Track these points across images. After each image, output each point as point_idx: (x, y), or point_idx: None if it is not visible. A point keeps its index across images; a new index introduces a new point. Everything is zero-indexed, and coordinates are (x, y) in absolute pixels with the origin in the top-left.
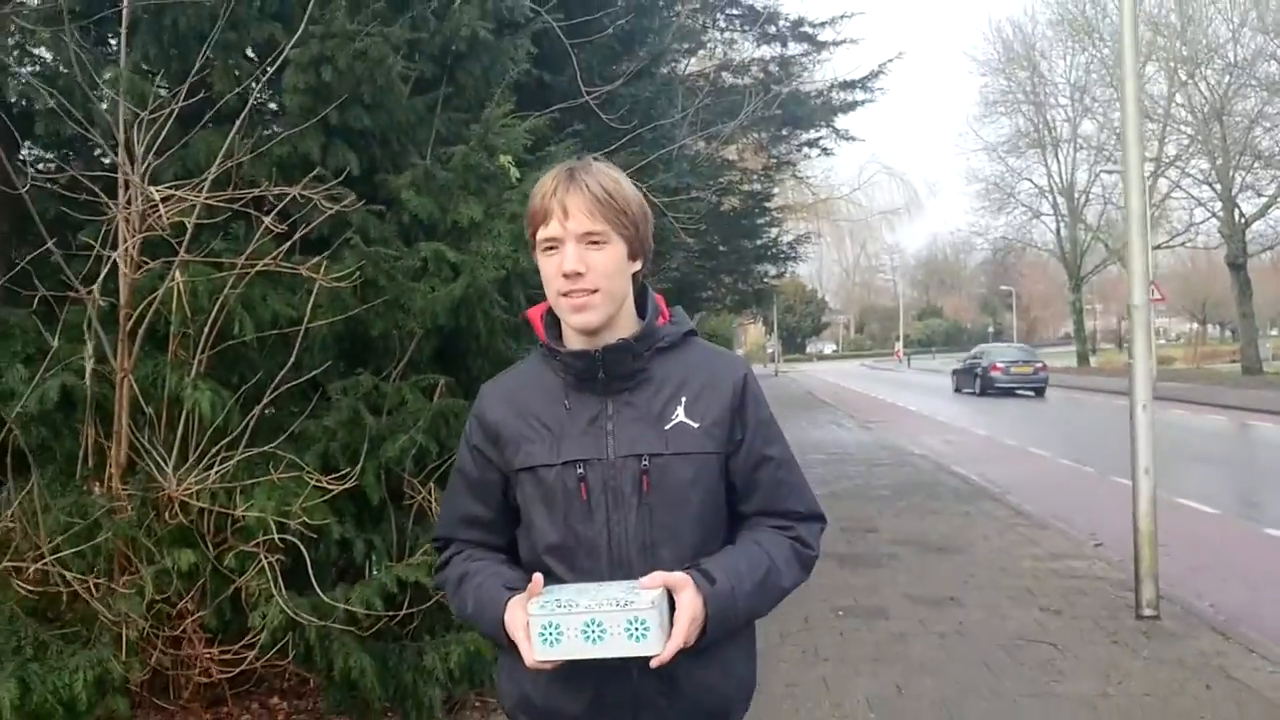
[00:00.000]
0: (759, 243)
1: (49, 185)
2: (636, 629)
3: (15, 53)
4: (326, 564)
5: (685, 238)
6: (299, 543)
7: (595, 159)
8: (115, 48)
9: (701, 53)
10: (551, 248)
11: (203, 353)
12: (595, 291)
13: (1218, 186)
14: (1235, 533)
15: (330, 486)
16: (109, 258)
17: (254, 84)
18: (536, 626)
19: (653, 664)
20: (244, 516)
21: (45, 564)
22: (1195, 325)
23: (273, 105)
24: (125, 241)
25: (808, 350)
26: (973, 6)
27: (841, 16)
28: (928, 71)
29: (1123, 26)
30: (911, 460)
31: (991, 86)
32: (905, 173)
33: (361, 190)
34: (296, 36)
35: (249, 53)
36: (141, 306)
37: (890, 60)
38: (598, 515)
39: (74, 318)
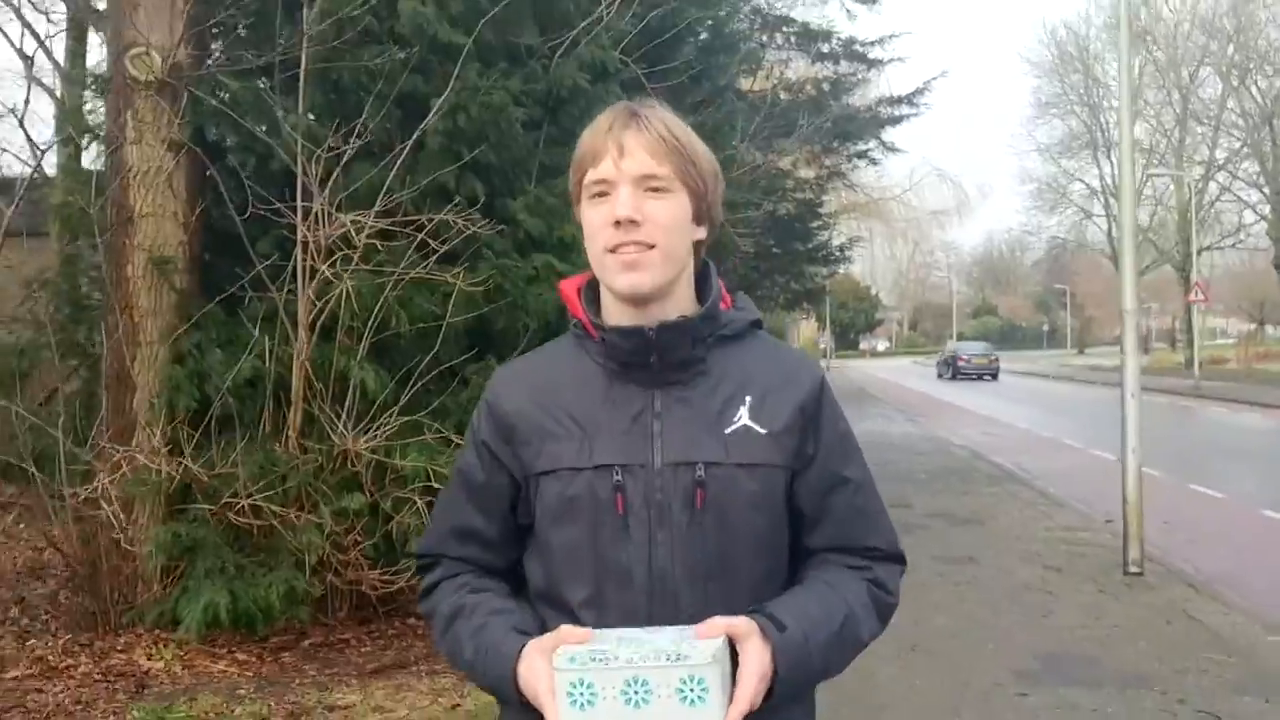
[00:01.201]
0: (810, 245)
1: (233, 205)
2: (691, 690)
3: (213, 100)
4: None
5: (744, 247)
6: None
7: (660, 104)
8: (288, 97)
9: (760, 73)
10: (601, 194)
11: (366, 341)
12: (652, 248)
13: (1266, 190)
14: (1234, 513)
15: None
16: (290, 265)
17: (400, 129)
18: (564, 684)
19: None
20: (403, 467)
21: (248, 504)
22: (1253, 326)
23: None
24: (308, 253)
25: (861, 347)
26: (1026, 8)
27: (891, 36)
28: (980, 72)
29: (1121, 74)
30: (951, 450)
31: (1045, 89)
32: (957, 174)
33: (486, 212)
34: (443, 98)
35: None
36: (320, 305)
37: (935, 78)
38: (636, 536)
39: (253, 311)
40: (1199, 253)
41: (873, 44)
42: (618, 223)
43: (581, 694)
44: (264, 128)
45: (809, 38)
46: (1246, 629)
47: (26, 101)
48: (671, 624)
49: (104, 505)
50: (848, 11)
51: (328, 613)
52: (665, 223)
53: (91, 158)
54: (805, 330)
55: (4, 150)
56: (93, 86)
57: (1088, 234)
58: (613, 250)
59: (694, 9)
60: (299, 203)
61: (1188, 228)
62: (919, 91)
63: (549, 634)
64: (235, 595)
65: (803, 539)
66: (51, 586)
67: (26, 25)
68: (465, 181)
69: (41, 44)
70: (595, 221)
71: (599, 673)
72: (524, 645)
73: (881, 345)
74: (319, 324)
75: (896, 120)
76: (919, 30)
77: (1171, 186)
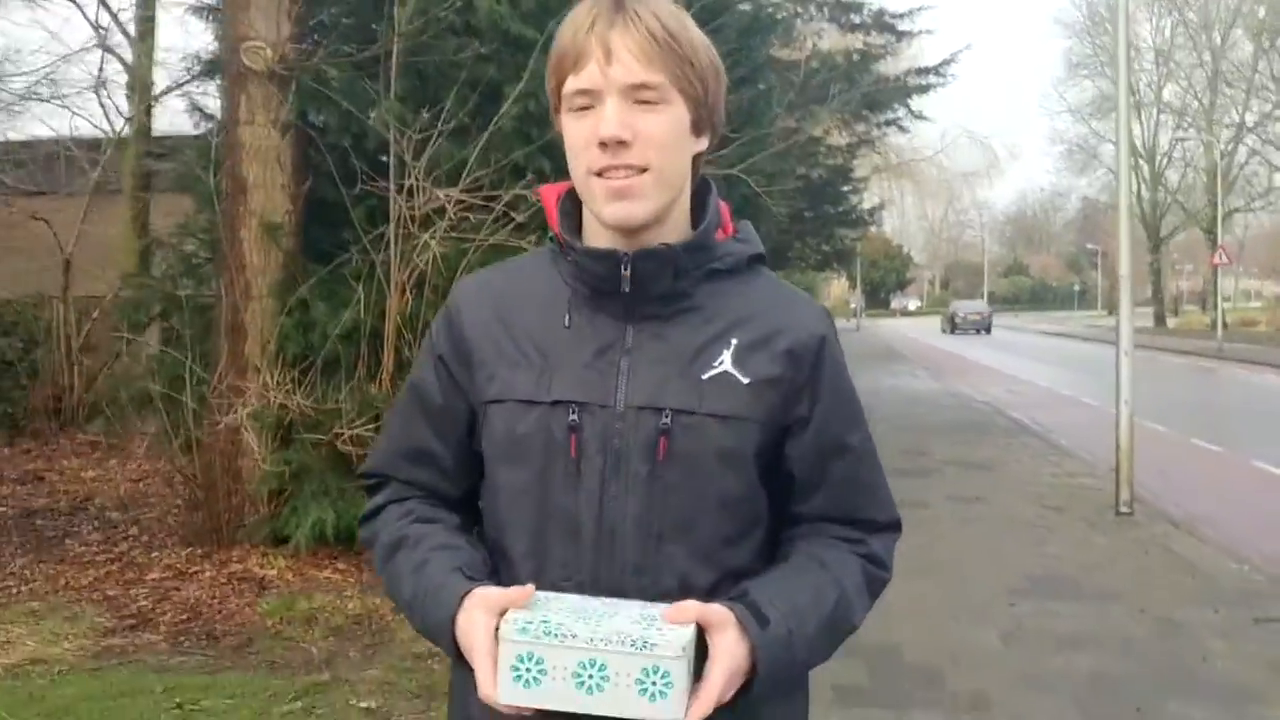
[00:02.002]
0: (841, 209)
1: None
2: (653, 683)
3: (316, 86)
4: None
5: (779, 214)
6: None
7: None
8: (380, 83)
9: (793, 43)
10: (584, 106)
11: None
12: (644, 171)
13: None
14: (1228, 464)
15: None
16: (382, 232)
17: (477, 112)
18: (510, 655)
19: None
20: None
21: (350, 434)
22: None
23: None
24: (400, 221)
25: (892, 305)
26: None
27: (920, 8)
28: (1013, 33)
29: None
30: (973, 405)
31: (1076, 50)
32: (988, 135)
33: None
34: (519, 87)
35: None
36: (410, 266)
37: (961, 50)
38: (587, 483)
39: (350, 271)
40: (1228, 215)
41: (902, 16)
42: (603, 142)
43: (528, 669)
44: (360, 111)
45: (841, 9)
46: (1215, 559)
47: (101, 69)
48: (617, 584)
49: (244, 431)
50: None
51: None
52: (660, 140)
53: (167, 125)
54: (836, 289)
55: (76, 114)
56: (203, 71)
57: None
58: (599, 174)
59: None
60: (391, 178)
61: (1216, 190)
62: (946, 62)
63: (497, 590)
64: (338, 514)
65: (791, 505)
66: (158, 511)
67: (103, 2)
68: (534, 160)
69: (114, 17)
70: (578, 138)
71: (553, 649)
72: (468, 592)
73: (913, 304)
74: (409, 282)
75: (924, 89)
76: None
77: (1201, 149)
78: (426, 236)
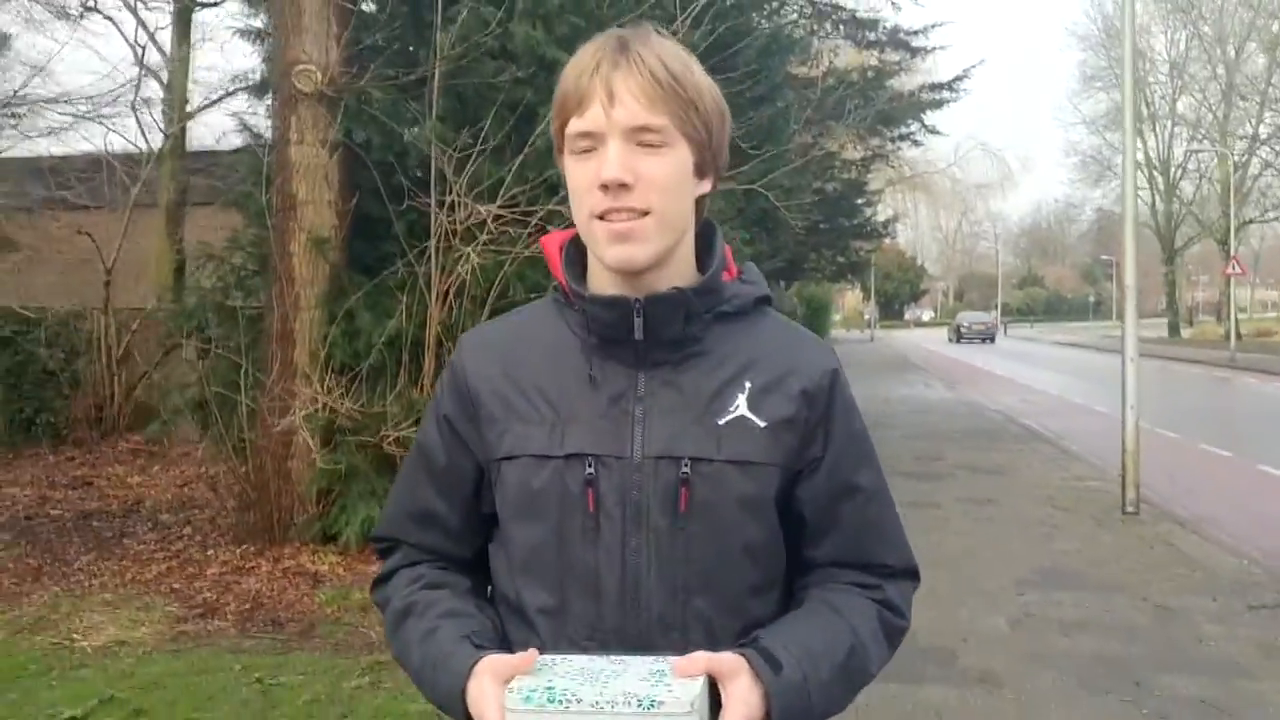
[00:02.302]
0: (856, 221)
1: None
2: None
3: (361, 107)
4: None
5: (796, 227)
6: None
7: (657, 30)
8: (422, 105)
9: (810, 61)
10: (587, 149)
11: (488, 307)
12: (646, 214)
13: None
14: (1235, 468)
15: None
16: (424, 245)
17: (513, 132)
18: None
19: None
20: None
21: (395, 436)
22: None
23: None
24: (441, 234)
25: (906, 317)
26: None
27: (934, 25)
28: (1026, 45)
29: (1123, 83)
30: (985, 413)
31: (1090, 62)
32: (1001, 147)
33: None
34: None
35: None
36: (450, 277)
37: (975, 65)
38: (607, 538)
39: (392, 282)
40: (1242, 226)
41: (916, 33)
42: (605, 185)
43: None
44: (403, 131)
45: (857, 26)
46: (1215, 554)
47: (137, 87)
48: (643, 641)
49: (300, 434)
50: (893, 2)
51: None
52: (662, 184)
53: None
54: (850, 300)
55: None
56: (252, 92)
57: (1136, 205)
58: (601, 217)
59: (754, 10)
60: (432, 194)
61: (1230, 202)
62: (959, 78)
63: (505, 656)
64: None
65: (804, 550)
66: (209, 513)
67: (141, 23)
68: (556, 171)
69: (151, 37)
70: (581, 181)
71: (558, 716)
72: (476, 662)
73: (926, 315)
74: (449, 292)
75: (938, 105)
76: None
77: (1215, 161)
78: (469, 250)
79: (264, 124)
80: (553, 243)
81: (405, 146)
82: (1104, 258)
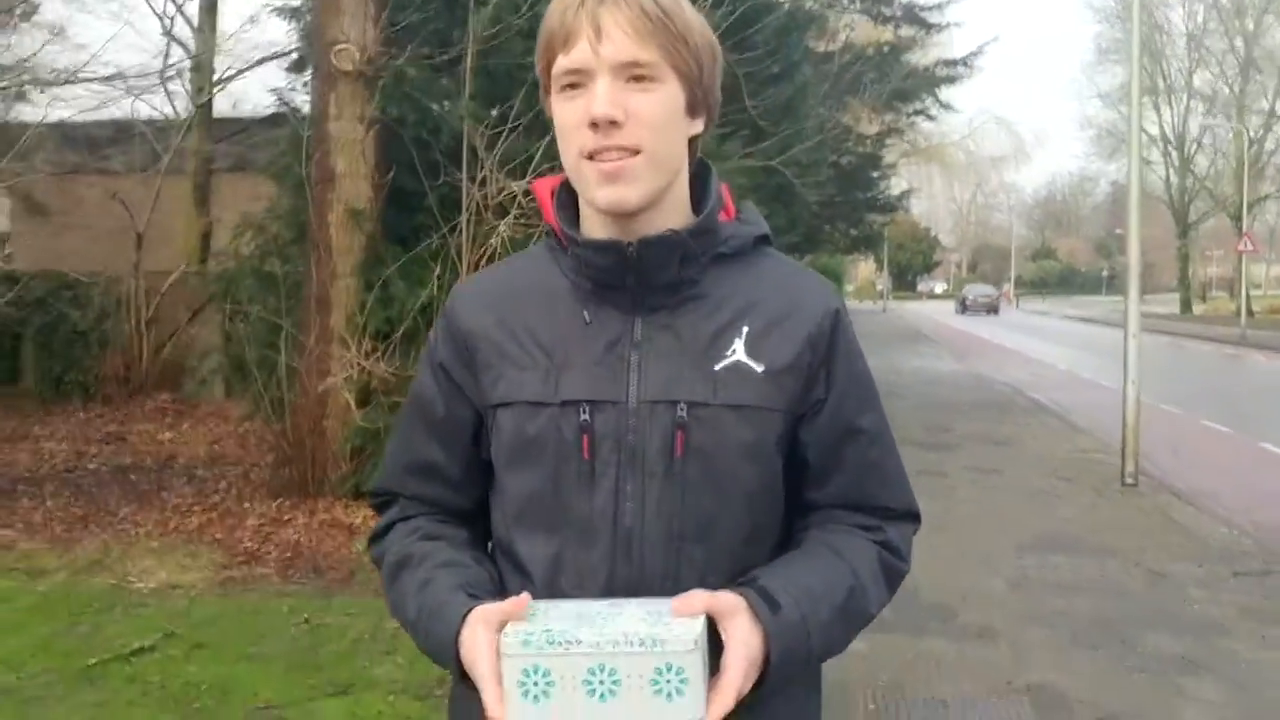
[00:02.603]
0: (870, 194)
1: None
2: (668, 682)
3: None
4: None
5: (811, 198)
6: None
7: None
8: (455, 83)
9: (826, 36)
10: (574, 84)
11: None
12: (637, 153)
13: None
14: (1237, 444)
15: None
16: (457, 219)
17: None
18: (515, 671)
19: None
20: None
21: None
22: None
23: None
24: (474, 208)
25: (919, 288)
26: None
27: (949, 1)
28: (1043, 16)
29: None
30: (994, 386)
31: (1106, 35)
32: (1016, 120)
33: None
34: None
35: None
36: (481, 248)
37: (988, 42)
38: (603, 484)
39: (425, 252)
40: (1257, 202)
41: (931, 8)
42: (594, 123)
43: (536, 684)
44: (436, 108)
45: (873, 1)
46: (1208, 524)
47: (166, 56)
48: (637, 590)
49: (339, 394)
50: None
51: None
52: (652, 121)
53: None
54: (863, 270)
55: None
56: (290, 69)
57: (1148, 180)
58: (590, 157)
59: None
60: (464, 169)
61: (1243, 177)
62: (973, 54)
63: (497, 604)
64: None
65: (805, 492)
66: (241, 468)
67: None
68: None
69: (179, 8)
70: (568, 120)
71: (557, 659)
72: (470, 610)
73: (939, 287)
74: (480, 263)
75: (952, 80)
76: None
77: (1230, 135)
78: (500, 224)
79: (298, 98)
80: (544, 187)
81: (439, 123)
82: (1118, 231)
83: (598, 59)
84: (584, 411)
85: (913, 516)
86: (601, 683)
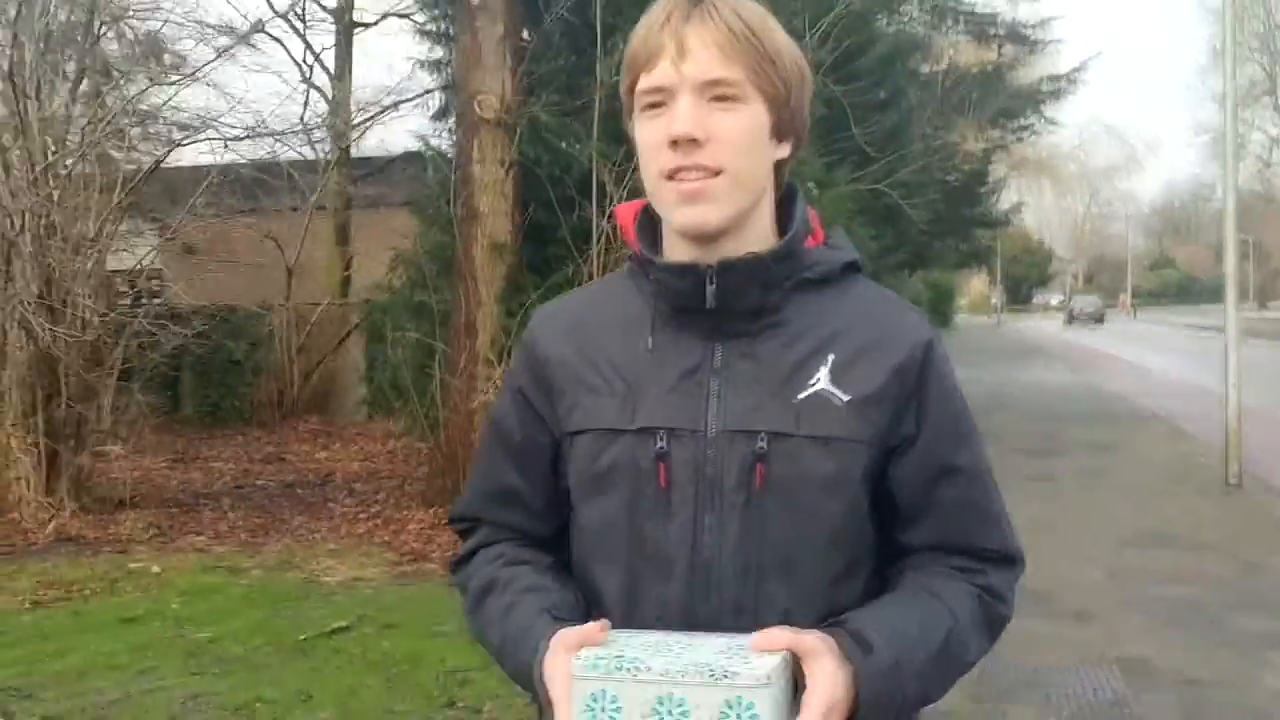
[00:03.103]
0: (978, 210)
1: (556, 204)
2: (737, 716)
3: (531, 131)
4: None
5: (918, 217)
6: None
7: None
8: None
9: (931, 58)
10: (656, 103)
11: None
12: (719, 174)
13: None
14: None
15: None
16: (589, 248)
17: None
18: (583, 694)
19: None
20: None
21: None
22: None
23: None
24: (603, 238)
25: (1034, 300)
26: None
27: (1052, 18)
28: (1155, 19)
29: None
30: (1104, 395)
31: (1219, 36)
32: (1127, 126)
33: None
34: None
35: None
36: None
37: (1091, 58)
38: (679, 514)
39: (560, 279)
40: None
41: (1034, 26)
42: (675, 142)
43: (603, 708)
44: (568, 148)
45: (976, 22)
46: None
47: (306, 103)
48: (715, 625)
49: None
50: None
51: None
52: (735, 141)
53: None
54: (976, 284)
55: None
56: (434, 116)
57: (1271, 183)
58: (670, 176)
59: (879, 11)
60: (594, 203)
61: None
62: (1077, 69)
63: (577, 628)
64: None
65: (899, 534)
66: (395, 482)
67: (308, 45)
68: None
69: (317, 58)
70: (650, 140)
71: (625, 684)
72: (553, 634)
73: (1055, 299)
74: None
75: (1057, 96)
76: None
77: None
78: (628, 252)
79: (432, 139)
80: (626, 211)
81: (570, 162)
82: (1241, 237)
83: (680, 76)
84: (661, 439)
85: (1016, 560)
86: (670, 712)
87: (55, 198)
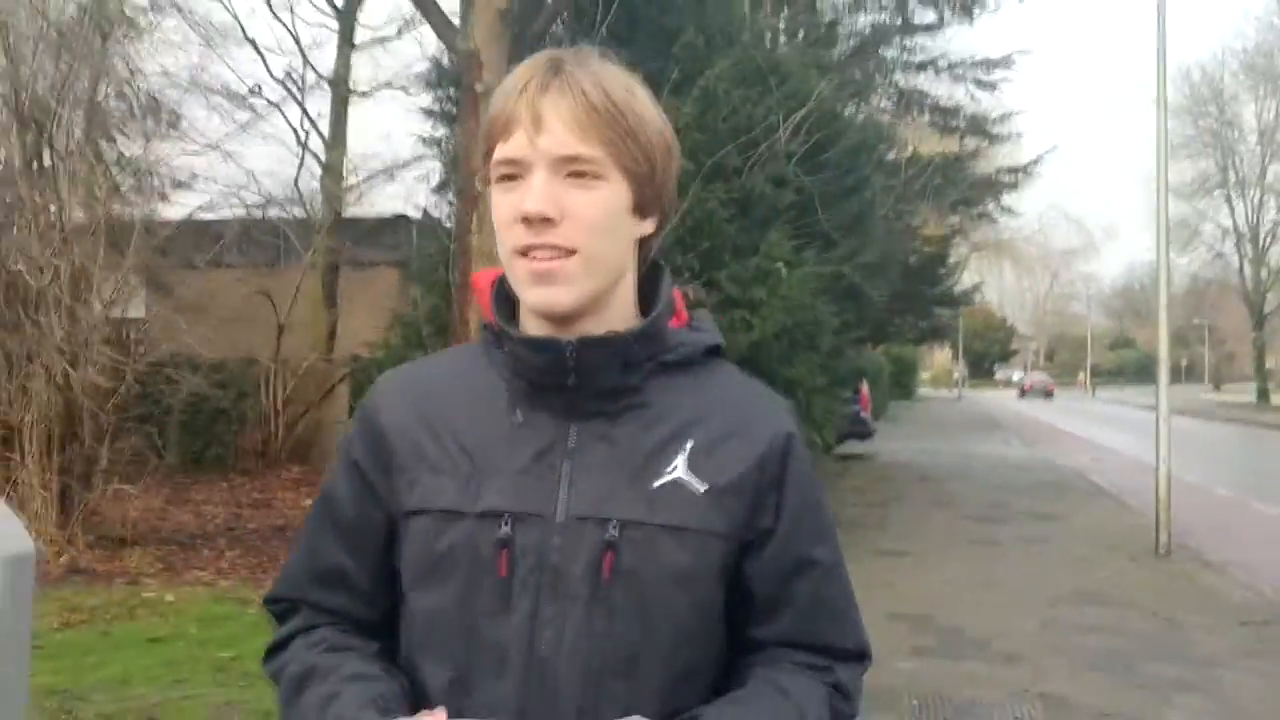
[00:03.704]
0: (938, 289)
1: None
2: None
3: None
4: None
5: (879, 296)
6: None
7: (602, 53)
8: None
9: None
10: (511, 175)
11: None
12: (572, 254)
13: None
14: (1267, 516)
15: None
16: None
17: None
18: None
19: None
20: None
21: None
22: None
23: None
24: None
25: (996, 376)
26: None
27: (1011, 113)
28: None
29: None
30: (1057, 469)
31: (1176, 130)
32: (1084, 213)
33: (699, 280)
34: (682, 207)
35: None
36: None
37: (1048, 151)
38: (519, 607)
39: None
40: None
41: (995, 120)
42: (527, 219)
43: None
44: None
45: (941, 114)
46: (1229, 586)
47: (300, 165)
48: None
49: None
50: (972, 95)
51: None
52: (591, 221)
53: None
54: (939, 359)
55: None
56: (436, 189)
57: (1223, 272)
58: (523, 254)
59: (849, 99)
60: None
61: None
62: (1034, 162)
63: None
64: None
65: (750, 629)
66: None
67: (305, 111)
68: (685, 262)
69: (313, 123)
70: (503, 214)
71: None
72: None
73: (1016, 375)
74: None
75: (1014, 186)
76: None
77: None
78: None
79: (420, 204)
80: (484, 279)
81: None
82: (1196, 321)
83: (535, 151)
84: (505, 524)
85: (865, 655)
86: None
87: (76, 250)
